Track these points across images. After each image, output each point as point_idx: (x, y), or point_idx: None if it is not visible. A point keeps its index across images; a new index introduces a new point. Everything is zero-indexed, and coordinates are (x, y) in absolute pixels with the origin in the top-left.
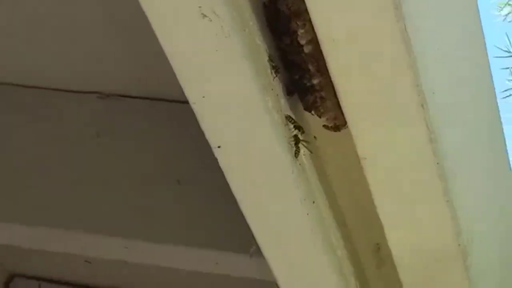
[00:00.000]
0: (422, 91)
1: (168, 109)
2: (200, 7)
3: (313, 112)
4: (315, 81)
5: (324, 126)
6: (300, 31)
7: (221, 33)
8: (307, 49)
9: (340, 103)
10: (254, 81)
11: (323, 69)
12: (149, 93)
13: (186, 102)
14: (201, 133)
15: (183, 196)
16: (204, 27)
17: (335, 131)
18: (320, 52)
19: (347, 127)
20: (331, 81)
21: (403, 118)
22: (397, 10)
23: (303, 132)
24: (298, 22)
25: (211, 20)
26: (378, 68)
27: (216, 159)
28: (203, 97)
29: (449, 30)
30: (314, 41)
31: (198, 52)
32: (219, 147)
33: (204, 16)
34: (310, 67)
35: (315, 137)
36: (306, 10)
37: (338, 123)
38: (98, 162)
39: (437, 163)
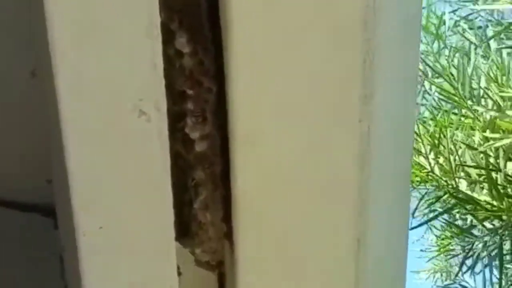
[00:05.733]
0: None
1: None
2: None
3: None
4: (200, 195)
5: (196, 262)
6: (191, 120)
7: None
8: (199, 147)
9: (234, 229)
10: None
11: (214, 178)
12: None
13: None
14: None
15: None
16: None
17: (208, 269)
18: (218, 154)
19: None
20: (220, 198)
21: None
22: None
23: None
24: (193, 105)
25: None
26: None
27: None
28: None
29: None
30: (212, 136)
31: None
32: None
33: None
34: (198, 172)
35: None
36: (208, 89)
37: (216, 260)
38: None
39: None
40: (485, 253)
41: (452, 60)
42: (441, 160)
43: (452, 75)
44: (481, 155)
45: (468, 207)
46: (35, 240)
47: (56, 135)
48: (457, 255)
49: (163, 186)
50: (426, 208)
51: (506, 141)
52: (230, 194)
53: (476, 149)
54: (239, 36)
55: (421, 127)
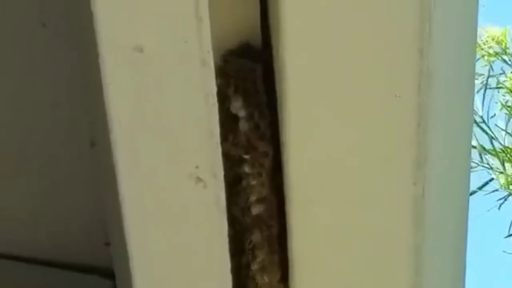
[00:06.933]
0: None
1: None
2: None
3: None
4: (257, 257)
5: None
6: (250, 182)
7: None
8: (256, 210)
9: None
10: None
11: (271, 240)
12: None
13: None
14: None
15: None
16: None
17: None
18: (274, 217)
19: None
20: (278, 260)
21: None
22: None
23: None
24: (249, 168)
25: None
26: None
27: None
28: None
29: None
30: (269, 200)
31: None
32: None
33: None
34: (255, 235)
35: None
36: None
37: None
38: None
39: None
40: None
41: None
42: None
43: None
44: None
45: None
46: None
47: (113, 202)
48: None
49: (220, 251)
50: None
51: None
52: (287, 256)
53: None
54: (295, 100)
55: None
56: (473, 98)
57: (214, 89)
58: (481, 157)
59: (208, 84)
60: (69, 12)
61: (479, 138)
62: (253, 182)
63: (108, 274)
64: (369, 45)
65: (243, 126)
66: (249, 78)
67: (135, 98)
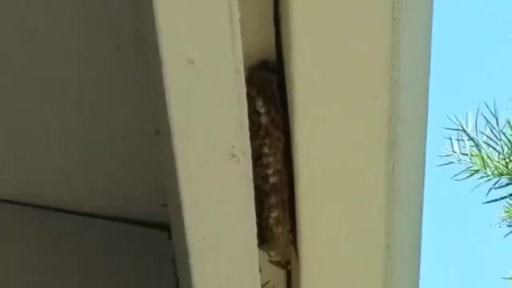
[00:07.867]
0: None
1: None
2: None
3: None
4: (273, 214)
5: (271, 261)
6: (269, 159)
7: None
8: (273, 179)
9: (298, 239)
10: None
11: (283, 202)
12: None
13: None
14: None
15: None
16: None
17: (279, 267)
18: (285, 185)
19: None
20: (288, 216)
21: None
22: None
23: None
24: (268, 149)
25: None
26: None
27: None
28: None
29: None
30: (282, 172)
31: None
32: None
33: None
34: (272, 198)
35: None
36: (278, 138)
37: (285, 260)
38: None
39: None
40: None
41: None
42: None
43: None
44: None
45: None
46: (153, 248)
47: (171, 173)
48: None
49: (248, 209)
50: None
51: None
52: (295, 213)
53: None
54: (300, 101)
55: None
56: (428, 99)
57: (244, 92)
58: None
59: (240, 87)
60: (141, 36)
61: None
62: (271, 159)
63: (165, 228)
64: (355, 61)
65: (263, 119)
66: (268, 85)
67: (187, 98)
